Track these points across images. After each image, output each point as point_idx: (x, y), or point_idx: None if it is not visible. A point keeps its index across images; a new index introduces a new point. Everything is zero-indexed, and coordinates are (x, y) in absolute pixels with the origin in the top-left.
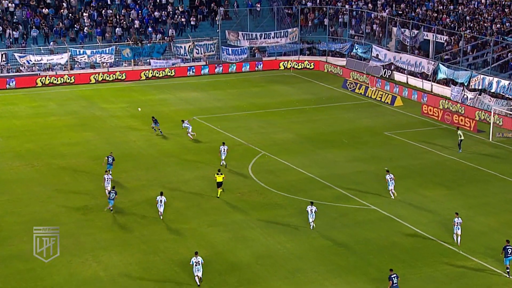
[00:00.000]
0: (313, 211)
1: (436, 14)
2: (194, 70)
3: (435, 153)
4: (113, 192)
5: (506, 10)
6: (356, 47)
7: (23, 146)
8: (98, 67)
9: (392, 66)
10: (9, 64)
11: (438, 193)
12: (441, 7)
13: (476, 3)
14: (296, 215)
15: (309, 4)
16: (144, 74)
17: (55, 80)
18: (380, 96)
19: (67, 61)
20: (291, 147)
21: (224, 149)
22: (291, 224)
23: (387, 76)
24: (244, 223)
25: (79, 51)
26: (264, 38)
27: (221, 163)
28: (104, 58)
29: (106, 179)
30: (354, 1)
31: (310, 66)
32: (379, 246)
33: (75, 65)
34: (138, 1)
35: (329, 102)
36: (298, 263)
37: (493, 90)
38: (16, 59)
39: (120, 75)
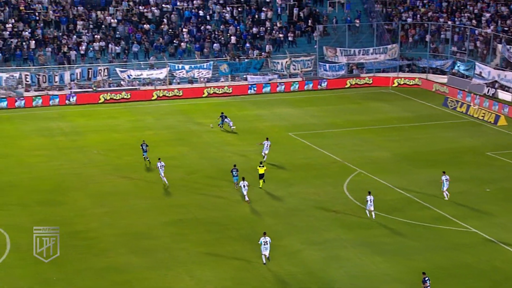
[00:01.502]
0: (372, 200)
1: None
2: (284, 87)
3: None
4: (235, 170)
5: None
6: (458, 64)
7: (121, 159)
8: (196, 82)
9: (496, 84)
10: (110, 79)
11: None
12: None
13: None
14: (392, 235)
15: (409, 20)
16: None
17: (167, 93)
18: (483, 115)
19: (166, 76)
20: (388, 166)
21: (267, 144)
22: (387, 244)
23: (491, 95)
24: (337, 242)
25: (178, 66)
26: (362, 54)
27: (263, 156)
28: (202, 74)
29: (159, 167)
30: (457, 17)
31: (410, 83)
32: (479, 270)
33: (174, 80)
34: (237, 17)
35: (428, 120)
36: (393, 285)
37: None
38: (118, 74)
39: (217, 90)
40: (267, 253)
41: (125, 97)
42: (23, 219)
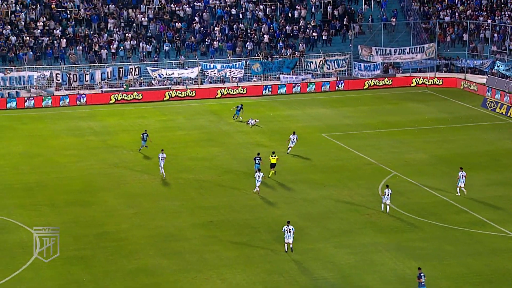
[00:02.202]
0: (390, 194)
1: None
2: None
3: None
4: (258, 158)
5: None
6: (498, 64)
7: (152, 160)
8: (228, 82)
9: None
10: (141, 78)
11: None
12: None
13: None
14: (428, 239)
15: (447, 18)
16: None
17: (180, 94)
18: None
19: (197, 75)
20: (424, 168)
21: (294, 138)
22: (422, 249)
23: None
24: (372, 246)
25: (210, 65)
26: (398, 54)
27: (288, 151)
28: (234, 73)
29: (160, 158)
30: (497, 15)
31: (440, 82)
32: None
33: (205, 80)
34: (270, 15)
35: (466, 121)
36: None
37: None
38: (149, 73)
39: (242, 90)
40: (290, 241)
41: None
42: (52, 219)
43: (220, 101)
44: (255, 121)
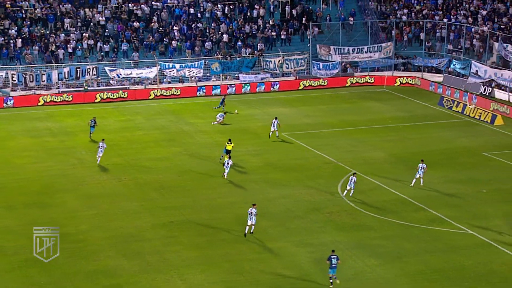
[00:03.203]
0: (354, 182)
1: None
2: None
3: None
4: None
5: None
6: (454, 63)
7: (110, 160)
8: (187, 81)
9: (493, 83)
10: (99, 78)
11: None
12: None
13: None
14: (387, 237)
15: (404, 17)
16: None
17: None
18: (479, 114)
19: (156, 75)
20: (383, 167)
21: (275, 122)
22: (381, 246)
23: (487, 94)
24: (332, 244)
25: (168, 65)
26: (356, 53)
27: (273, 132)
28: (193, 72)
29: (100, 147)
30: (453, 14)
31: (415, 82)
32: (476, 273)
33: (164, 79)
34: (228, 15)
35: (424, 120)
36: None
37: None
38: (107, 73)
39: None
40: (249, 223)
41: (112, 97)
42: (9, 222)
43: (180, 101)
44: (222, 115)
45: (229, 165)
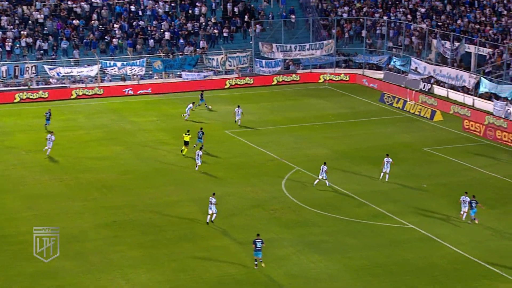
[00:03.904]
0: (325, 170)
1: (478, 26)
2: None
3: (477, 170)
4: (201, 132)
5: None
6: (394, 60)
7: (52, 160)
8: (129, 80)
9: (432, 80)
10: (39, 76)
11: (479, 212)
12: (484, 18)
13: None
14: (331, 233)
15: (345, 15)
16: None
17: (87, 92)
18: (419, 110)
19: (97, 74)
20: (326, 163)
21: (239, 111)
22: (325, 242)
23: (427, 90)
24: (276, 241)
25: (110, 63)
26: (298, 50)
27: (236, 121)
28: (135, 71)
29: (49, 138)
30: (393, 12)
31: (346, 78)
32: (417, 267)
33: (105, 78)
34: (170, 13)
35: (365, 116)
36: (332, 283)
37: None
38: (46, 71)
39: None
40: (210, 212)
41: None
42: None
43: (122, 99)
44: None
45: (199, 156)
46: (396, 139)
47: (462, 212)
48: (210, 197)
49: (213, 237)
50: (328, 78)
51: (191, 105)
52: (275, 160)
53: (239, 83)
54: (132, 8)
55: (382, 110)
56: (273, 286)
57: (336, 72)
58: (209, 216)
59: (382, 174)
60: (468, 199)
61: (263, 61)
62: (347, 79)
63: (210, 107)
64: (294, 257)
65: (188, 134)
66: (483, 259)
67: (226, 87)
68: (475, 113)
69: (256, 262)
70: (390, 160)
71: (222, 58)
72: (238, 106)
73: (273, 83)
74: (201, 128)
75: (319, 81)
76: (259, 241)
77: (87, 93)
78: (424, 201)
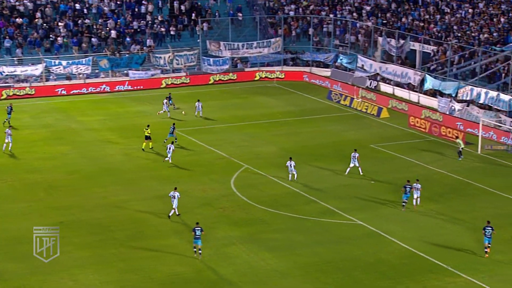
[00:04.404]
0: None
1: (422, 24)
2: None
3: (422, 166)
4: (173, 128)
5: (494, 19)
6: (341, 58)
7: None
8: (75, 79)
9: (378, 77)
10: None
11: (426, 208)
12: (428, 16)
13: (463, 12)
14: (280, 230)
15: (292, 13)
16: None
17: (17, 92)
18: (366, 107)
19: (42, 72)
20: (275, 161)
21: (199, 105)
22: (274, 240)
23: (373, 87)
24: (226, 239)
25: (55, 62)
26: (246, 48)
27: (196, 114)
28: (81, 69)
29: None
30: (339, 10)
31: (282, 76)
32: (365, 262)
33: (50, 77)
34: (116, 11)
35: (313, 114)
36: (282, 281)
37: (481, 101)
38: None
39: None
40: (174, 205)
41: None
42: None
43: (68, 98)
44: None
45: (172, 149)
46: (344, 136)
47: (413, 200)
48: (172, 192)
49: (162, 237)
50: (263, 76)
51: (165, 101)
52: (224, 158)
53: (175, 82)
54: (77, 6)
55: (329, 107)
56: (223, 284)
57: (283, 70)
58: (172, 211)
59: (348, 169)
60: (419, 185)
61: (211, 59)
62: (283, 76)
63: (173, 105)
64: (244, 255)
65: (147, 129)
66: (429, 254)
67: (162, 86)
68: (412, 107)
69: (194, 250)
70: (357, 154)
71: (169, 56)
72: (198, 100)
73: (210, 82)
74: (174, 124)
75: (255, 78)
76: (198, 229)
77: (17, 93)
78: (372, 197)
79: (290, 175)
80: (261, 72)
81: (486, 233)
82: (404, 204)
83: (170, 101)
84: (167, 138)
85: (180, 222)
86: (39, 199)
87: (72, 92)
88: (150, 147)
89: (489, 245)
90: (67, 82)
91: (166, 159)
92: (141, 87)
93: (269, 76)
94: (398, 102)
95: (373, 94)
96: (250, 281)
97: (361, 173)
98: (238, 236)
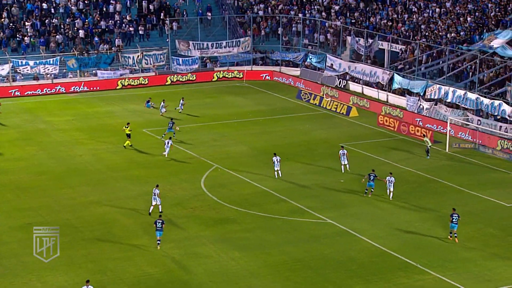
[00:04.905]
0: (278, 160)
1: (390, 23)
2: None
3: (391, 164)
4: (171, 122)
5: (460, 18)
6: (310, 57)
7: None
8: (42, 79)
9: (347, 76)
10: None
11: (395, 206)
12: (396, 16)
13: (430, 12)
14: (250, 230)
15: (261, 12)
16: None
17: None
18: (335, 106)
19: (8, 73)
20: (245, 160)
21: (163, 105)
22: (245, 239)
23: (342, 86)
24: (196, 239)
25: (22, 62)
26: (215, 48)
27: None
28: (48, 69)
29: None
30: (308, 9)
31: (240, 75)
32: (335, 261)
33: (18, 77)
34: (84, 10)
35: (283, 113)
36: (252, 280)
37: (449, 100)
38: None
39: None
40: (154, 203)
41: None
42: None
43: (36, 98)
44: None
45: (170, 144)
46: (314, 135)
47: (389, 193)
48: (154, 189)
49: (131, 237)
50: (221, 76)
51: (162, 102)
52: (194, 158)
53: (132, 83)
54: (44, 5)
55: (299, 106)
56: (193, 284)
57: (253, 69)
58: (152, 207)
59: (342, 167)
60: (393, 179)
61: (180, 59)
62: (241, 76)
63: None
64: (214, 254)
65: (127, 127)
66: (399, 252)
67: (118, 87)
68: (373, 104)
69: (158, 242)
70: (345, 151)
71: (138, 56)
72: (164, 101)
73: (167, 83)
74: (172, 119)
75: (213, 79)
76: (159, 222)
77: None
78: (342, 196)
79: (275, 173)
80: (219, 73)
81: (453, 220)
82: (366, 191)
83: (148, 104)
84: (165, 133)
85: (150, 222)
86: (6, 201)
87: (26, 93)
88: (130, 144)
89: (455, 232)
90: (34, 82)
91: (164, 153)
92: (98, 88)
93: (227, 76)
94: (360, 99)
95: (336, 90)
96: (221, 280)
97: (348, 170)
98: (209, 235)
